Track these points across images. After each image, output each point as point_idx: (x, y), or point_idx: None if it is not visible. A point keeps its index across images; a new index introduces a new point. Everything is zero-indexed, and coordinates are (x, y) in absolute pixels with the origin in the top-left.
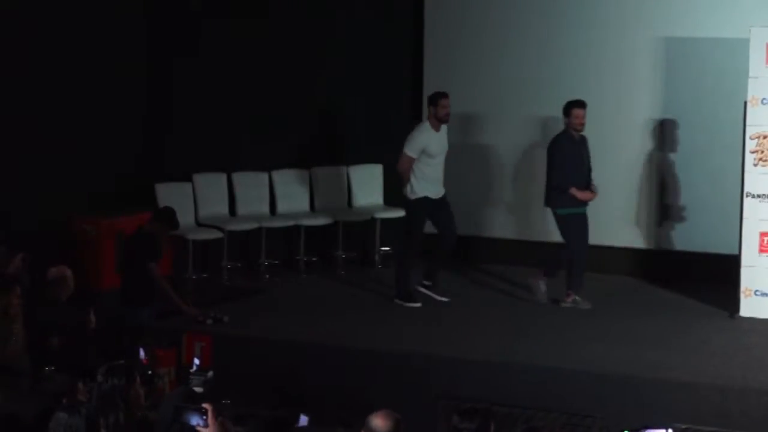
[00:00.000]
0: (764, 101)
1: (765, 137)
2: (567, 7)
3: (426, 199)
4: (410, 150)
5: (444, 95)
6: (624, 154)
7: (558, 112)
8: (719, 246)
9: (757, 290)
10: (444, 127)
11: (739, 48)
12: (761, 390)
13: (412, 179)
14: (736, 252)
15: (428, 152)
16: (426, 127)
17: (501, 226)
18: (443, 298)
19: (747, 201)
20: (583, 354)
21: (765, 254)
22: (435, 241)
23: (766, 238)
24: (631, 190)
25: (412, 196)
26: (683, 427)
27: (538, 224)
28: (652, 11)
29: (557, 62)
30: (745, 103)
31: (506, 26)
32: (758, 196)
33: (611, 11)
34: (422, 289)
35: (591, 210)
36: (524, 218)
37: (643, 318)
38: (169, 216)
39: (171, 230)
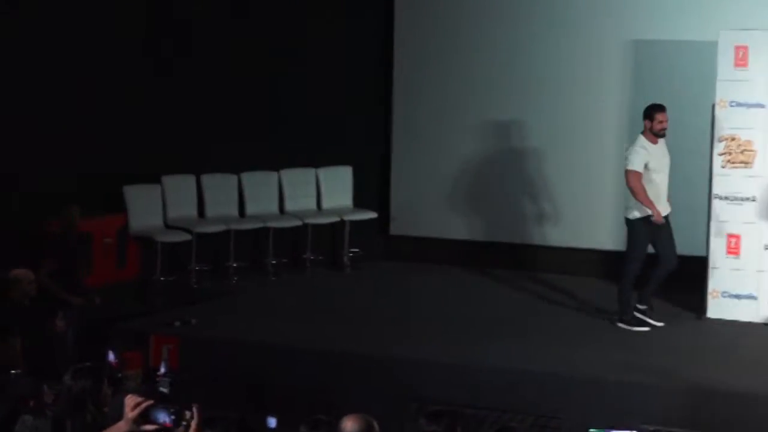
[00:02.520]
0: (732, 104)
1: (733, 140)
2: (536, 11)
3: (647, 219)
4: (634, 165)
5: (661, 108)
6: (591, 156)
7: (525, 115)
8: (687, 248)
9: (724, 292)
10: (663, 142)
11: (708, 51)
12: (728, 392)
13: (631, 198)
14: (704, 254)
15: (649, 167)
16: (643, 141)
17: (457, 227)
18: (659, 323)
19: (715, 203)
20: (551, 355)
21: (732, 256)
22: (653, 262)
23: (733, 240)
24: (599, 192)
25: (631, 216)
26: (651, 428)
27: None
28: (621, 14)
29: (526, 66)
30: (713, 105)
31: (476, 30)
32: (726, 198)
33: (580, 15)
34: (637, 314)
35: (559, 211)
36: (493, 220)
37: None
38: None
39: (65, 226)
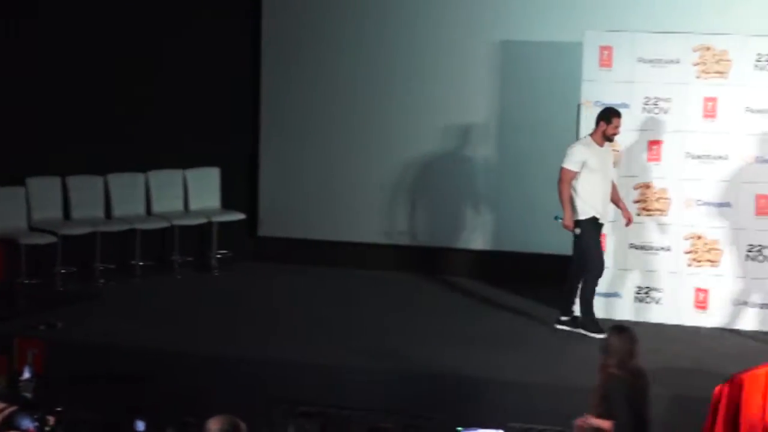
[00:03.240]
0: (597, 104)
1: None
2: (402, 11)
3: (592, 220)
4: (567, 163)
5: (619, 114)
6: (461, 156)
7: (392, 115)
8: (556, 247)
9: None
10: (608, 146)
11: (574, 51)
12: (591, 389)
13: (577, 200)
14: (571, 253)
15: (588, 166)
16: (587, 140)
17: (325, 228)
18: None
19: None
20: (422, 355)
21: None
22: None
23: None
24: (469, 192)
25: (577, 217)
26: (518, 426)
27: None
28: (488, 15)
29: (394, 66)
30: (579, 105)
31: (343, 30)
32: None
33: (447, 16)
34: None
35: (432, 212)
36: (360, 221)
37: (480, 319)
38: None
39: None
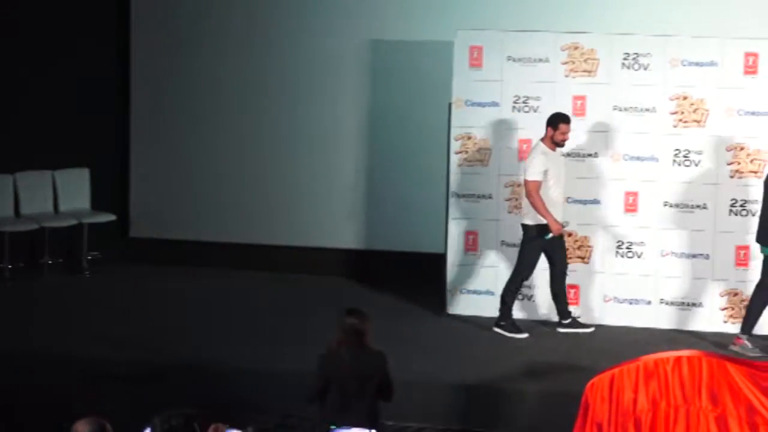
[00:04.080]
0: (468, 103)
1: (469, 138)
2: (274, 11)
3: (542, 227)
4: (533, 175)
5: (566, 119)
6: (333, 155)
7: (265, 114)
8: (427, 245)
9: (463, 288)
10: (559, 151)
11: (445, 50)
12: (468, 385)
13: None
14: (442, 251)
15: (547, 174)
16: (543, 147)
17: (198, 229)
18: (588, 329)
19: (452, 201)
20: (297, 355)
21: (471, 252)
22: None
23: (471, 237)
24: (341, 190)
25: (525, 222)
26: (389, 423)
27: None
28: (358, 15)
29: (265, 66)
30: (450, 104)
31: (214, 29)
32: (463, 195)
33: (317, 16)
34: (562, 329)
35: (304, 212)
36: (232, 221)
37: None
38: None
39: None
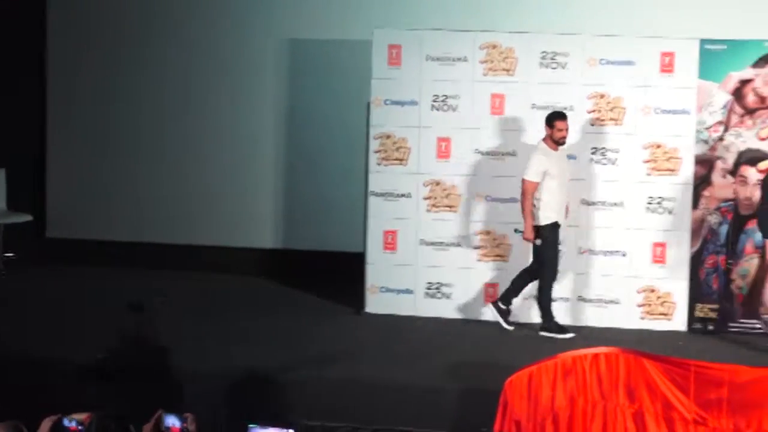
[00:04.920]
0: (387, 102)
1: (388, 137)
2: (192, 10)
3: (554, 225)
4: (529, 175)
5: (561, 117)
6: (252, 154)
7: (183, 115)
8: (347, 244)
9: (382, 287)
10: (563, 149)
11: (364, 49)
12: (387, 385)
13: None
14: (361, 250)
15: (549, 174)
16: (543, 148)
17: (115, 229)
18: (509, 327)
19: (371, 200)
20: (214, 354)
21: (389, 251)
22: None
23: (390, 236)
24: (260, 190)
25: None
26: (312, 423)
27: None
28: (276, 14)
29: (183, 66)
30: (369, 103)
31: (131, 29)
32: (382, 194)
33: (235, 15)
34: (496, 310)
35: (222, 211)
36: (151, 221)
37: (273, 318)
38: None
39: None
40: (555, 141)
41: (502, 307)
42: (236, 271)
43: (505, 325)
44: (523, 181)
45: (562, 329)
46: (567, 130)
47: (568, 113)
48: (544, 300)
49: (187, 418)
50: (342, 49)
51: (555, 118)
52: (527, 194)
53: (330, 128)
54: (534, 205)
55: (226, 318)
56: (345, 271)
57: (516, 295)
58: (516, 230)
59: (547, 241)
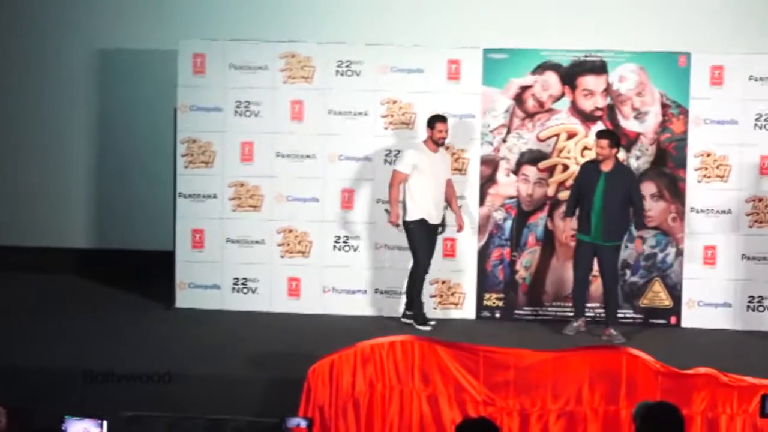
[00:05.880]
0: (192, 108)
1: (194, 142)
2: (3, 18)
3: (421, 221)
4: (397, 165)
5: (441, 119)
6: (65, 159)
7: None
8: (157, 243)
9: (190, 283)
10: (443, 151)
11: (170, 59)
12: (196, 376)
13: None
14: (170, 248)
15: (419, 169)
16: (419, 145)
17: None
18: (426, 327)
19: (179, 201)
20: (28, 351)
21: (197, 249)
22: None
23: (198, 235)
24: (72, 193)
25: (406, 218)
26: (128, 414)
27: None
28: (88, 25)
29: None
30: (175, 110)
31: None
32: (189, 196)
33: (48, 25)
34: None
35: (34, 212)
36: None
37: (87, 315)
38: None
39: None
40: (434, 141)
41: (409, 314)
42: (50, 271)
43: (421, 328)
44: (393, 170)
45: (425, 321)
46: (447, 131)
47: (361, 118)
48: (413, 292)
49: None
50: (150, 58)
51: (436, 120)
52: (393, 183)
53: (139, 133)
54: (405, 198)
55: (41, 317)
56: (156, 269)
57: (411, 298)
58: (386, 210)
59: (413, 236)
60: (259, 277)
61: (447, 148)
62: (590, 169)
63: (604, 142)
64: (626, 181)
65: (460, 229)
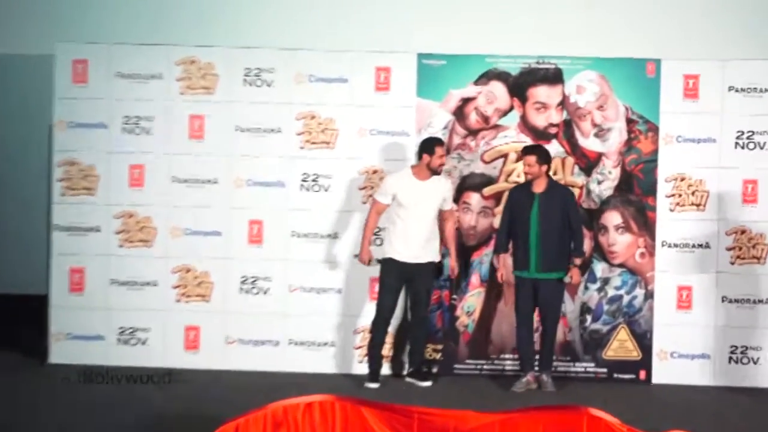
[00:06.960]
0: (72, 124)
1: (74, 164)
2: None
3: (392, 261)
4: (375, 194)
5: (440, 142)
6: None
7: None
8: (27, 285)
9: (68, 333)
10: (437, 179)
11: (45, 65)
12: None
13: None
14: (44, 291)
15: (398, 201)
16: (403, 171)
17: None
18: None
19: (55, 234)
20: None
21: (76, 293)
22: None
23: (77, 275)
24: None
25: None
26: None
27: None
28: None
29: None
30: (51, 126)
31: None
32: (67, 228)
33: None
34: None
35: None
36: None
37: None
38: None
39: None
40: (432, 168)
41: (414, 374)
42: None
43: (423, 384)
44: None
45: (376, 378)
46: (445, 156)
47: (273, 136)
48: (369, 345)
49: None
50: (20, 64)
51: (435, 144)
52: (370, 214)
53: (7, 154)
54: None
55: None
56: (27, 317)
57: (414, 356)
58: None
59: (380, 277)
60: (151, 326)
61: (439, 174)
62: (521, 193)
63: (531, 159)
64: (563, 202)
65: (451, 273)
